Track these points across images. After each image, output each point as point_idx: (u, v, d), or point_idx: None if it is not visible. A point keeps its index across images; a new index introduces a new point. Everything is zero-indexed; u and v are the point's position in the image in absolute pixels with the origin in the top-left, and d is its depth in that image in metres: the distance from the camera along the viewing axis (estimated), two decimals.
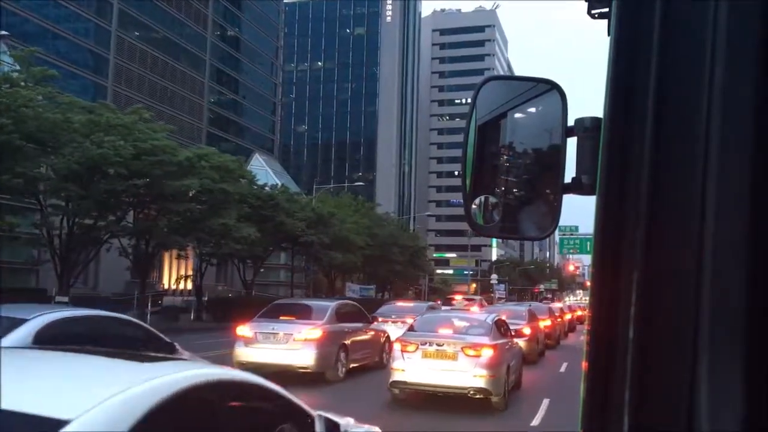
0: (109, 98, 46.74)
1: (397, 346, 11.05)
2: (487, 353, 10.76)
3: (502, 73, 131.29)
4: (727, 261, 0.83)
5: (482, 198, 1.51)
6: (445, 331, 11.46)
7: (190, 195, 31.63)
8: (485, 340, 11.08)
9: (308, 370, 12.49)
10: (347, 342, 13.54)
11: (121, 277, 47.23)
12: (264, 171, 62.99)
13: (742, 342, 0.81)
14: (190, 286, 56.74)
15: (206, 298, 40.96)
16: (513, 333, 14.17)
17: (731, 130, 0.84)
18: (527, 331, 18.24)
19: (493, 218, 1.49)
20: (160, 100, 53.31)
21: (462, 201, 1.49)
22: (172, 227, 30.52)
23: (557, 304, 35.92)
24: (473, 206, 1.49)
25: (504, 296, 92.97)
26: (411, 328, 11.91)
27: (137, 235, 30.63)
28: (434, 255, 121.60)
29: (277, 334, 12.65)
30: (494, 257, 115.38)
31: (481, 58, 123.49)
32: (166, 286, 53.86)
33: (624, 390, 0.87)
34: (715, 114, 0.85)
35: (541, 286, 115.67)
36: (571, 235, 50.83)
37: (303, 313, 13.71)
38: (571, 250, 51.79)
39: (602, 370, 0.90)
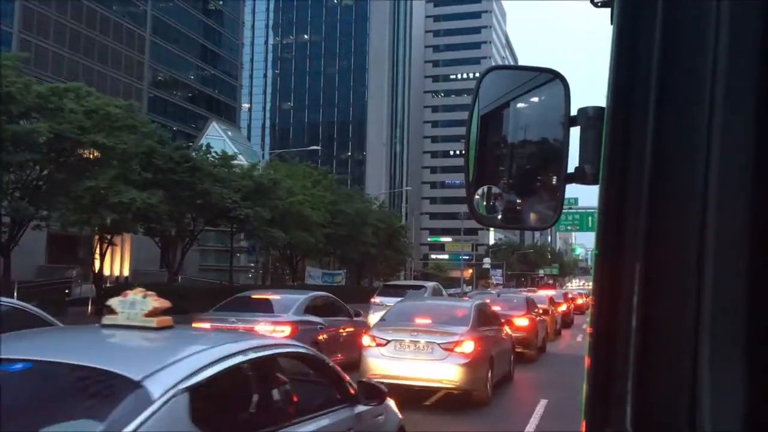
0: (14, 48, 37.96)
1: None
2: None
3: (500, 46, 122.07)
4: (730, 251, 0.82)
5: (485, 188, 1.44)
6: None
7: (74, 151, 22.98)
8: None
9: None
10: None
11: (33, 262, 38.89)
12: (221, 141, 54.23)
13: (744, 333, 0.80)
14: (127, 272, 48.29)
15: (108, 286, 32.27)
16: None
17: (734, 120, 0.83)
18: (467, 348, 9.37)
19: (496, 208, 1.45)
20: (87, 53, 44.38)
21: (464, 187, 1.42)
22: (5, 190, 21.71)
23: (547, 292, 26.97)
24: (476, 196, 1.43)
25: (501, 282, 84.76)
26: None
27: None
28: (429, 239, 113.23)
29: None
30: (491, 241, 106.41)
31: (477, 30, 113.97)
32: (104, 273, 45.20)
33: (626, 380, 0.86)
34: (717, 103, 0.84)
35: (541, 271, 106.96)
36: (570, 209, 41.72)
37: None
38: (570, 227, 42.86)
39: (605, 360, 0.89)
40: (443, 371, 9.24)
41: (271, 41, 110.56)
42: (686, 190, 0.85)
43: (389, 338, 9.53)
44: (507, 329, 12.66)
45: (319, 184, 43.82)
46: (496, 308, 15.55)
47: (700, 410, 0.80)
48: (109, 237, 29.77)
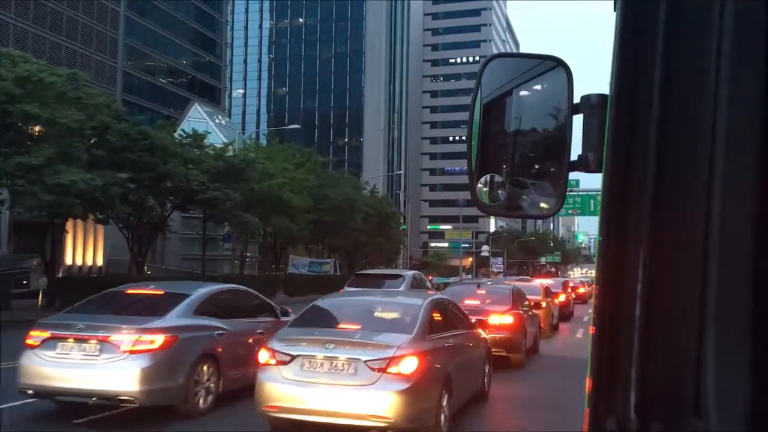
0: None
1: None
2: None
3: (500, 29, 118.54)
4: (733, 238, 0.81)
5: (488, 177, 1.42)
6: None
7: None
8: None
9: None
10: None
11: None
12: (204, 123, 51.10)
13: (749, 320, 0.80)
14: (100, 261, 45.34)
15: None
16: None
17: (738, 107, 0.82)
18: (407, 366, 6.32)
19: (499, 197, 1.42)
20: (54, 29, 41.18)
21: (465, 174, 1.45)
22: None
23: (543, 281, 23.90)
24: (479, 185, 1.42)
25: (502, 270, 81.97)
26: None
27: None
28: (428, 227, 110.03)
29: None
30: (492, 229, 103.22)
31: (477, 13, 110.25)
32: (70, 263, 42.25)
33: (630, 368, 0.86)
34: (721, 90, 0.83)
35: (543, 259, 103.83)
36: (571, 191, 38.46)
37: None
38: (571, 211, 39.63)
39: (609, 347, 0.90)
40: (371, 402, 6.23)
41: (266, 24, 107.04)
42: (690, 178, 0.83)
43: (295, 352, 6.51)
44: (481, 332, 9.63)
45: (302, 167, 40.78)
46: (474, 302, 12.59)
47: (704, 397, 0.79)
48: (61, 222, 26.85)
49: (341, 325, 7.09)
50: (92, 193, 22.07)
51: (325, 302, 8.10)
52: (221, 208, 29.80)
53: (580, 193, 39.32)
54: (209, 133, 33.88)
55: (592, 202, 39.74)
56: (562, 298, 23.80)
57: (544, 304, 17.56)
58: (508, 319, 12.06)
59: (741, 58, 0.81)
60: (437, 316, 7.63)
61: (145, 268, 32.52)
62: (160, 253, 47.69)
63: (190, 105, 52.92)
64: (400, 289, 18.66)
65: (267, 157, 37.94)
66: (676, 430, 0.82)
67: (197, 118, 51.75)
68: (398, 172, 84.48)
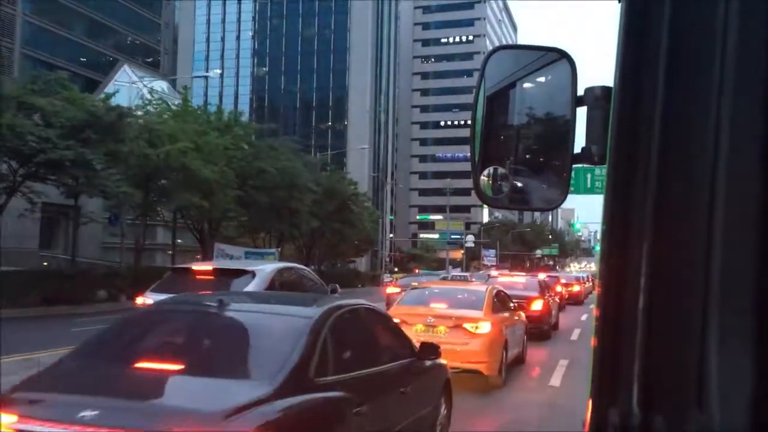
0: None
1: None
2: None
3: (496, 9, 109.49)
4: (739, 230, 0.80)
5: (491, 169, 1.42)
6: None
7: None
8: None
9: None
10: None
11: None
12: (135, 89, 42.23)
13: (753, 313, 0.80)
14: None
15: None
16: None
17: (744, 97, 0.81)
18: None
19: (502, 189, 1.42)
20: None
21: (471, 170, 1.41)
22: None
23: (513, 279, 15.02)
24: (482, 177, 1.41)
25: (494, 264, 73.43)
26: None
27: None
28: (417, 217, 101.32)
29: None
30: (485, 219, 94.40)
31: None
32: None
33: (634, 361, 0.85)
34: (727, 82, 0.82)
35: (539, 252, 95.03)
36: None
37: None
38: None
39: (612, 340, 0.89)
40: None
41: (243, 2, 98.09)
42: (694, 170, 0.82)
43: None
44: None
45: (228, 132, 31.88)
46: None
47: (707, 390, 0.78)
48: None
49: None
50: None
51: None
52: (71, 173, 20.99)
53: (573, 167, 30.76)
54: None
55: (589, 176, 30.92)
56: (538, 305, 14.95)
57: (485, 328, 8.76)
58: None
59: (747, 51, 0.78)
60: None
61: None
62: (72, 241, 39.03)
63: (117, 66, 44.06)
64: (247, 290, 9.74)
65: (177, 115, 29.19)
66: (678, 422, 0.80)
67: (124, 81, 42.93)
68: (364, 147, 74.90)
